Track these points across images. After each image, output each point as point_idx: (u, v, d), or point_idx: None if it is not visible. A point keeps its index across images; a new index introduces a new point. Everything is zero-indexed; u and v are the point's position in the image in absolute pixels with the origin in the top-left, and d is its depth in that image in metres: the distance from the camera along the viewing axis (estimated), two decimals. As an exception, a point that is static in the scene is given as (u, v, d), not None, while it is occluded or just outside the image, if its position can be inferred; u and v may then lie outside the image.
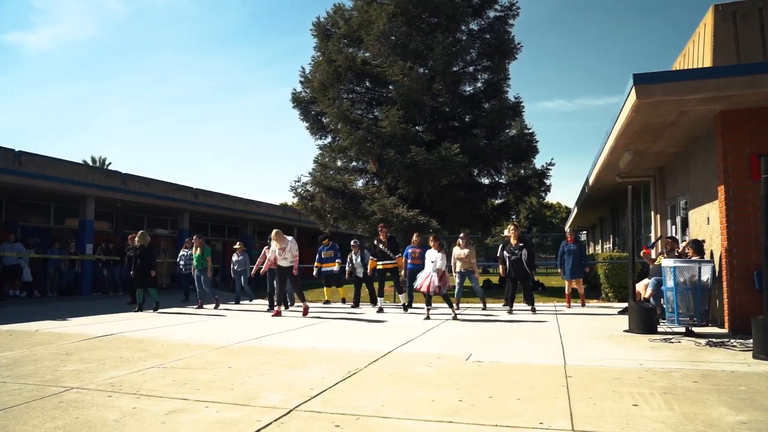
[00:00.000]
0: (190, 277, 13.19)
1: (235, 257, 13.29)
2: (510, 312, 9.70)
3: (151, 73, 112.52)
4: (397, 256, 10.37)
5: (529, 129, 15.97)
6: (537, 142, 15.77)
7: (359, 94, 17.48)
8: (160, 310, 10.92)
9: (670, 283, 6.91)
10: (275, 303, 10.58)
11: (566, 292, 10.96)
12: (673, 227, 10.52)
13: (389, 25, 15.44)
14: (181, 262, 13.57)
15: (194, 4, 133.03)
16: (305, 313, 9.76)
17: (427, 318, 9.09)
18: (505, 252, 9.91)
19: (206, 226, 22.45)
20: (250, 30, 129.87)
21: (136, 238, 11.34)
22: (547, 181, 16.24)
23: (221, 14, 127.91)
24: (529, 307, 9.86)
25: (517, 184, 16.73)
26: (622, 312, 9.38)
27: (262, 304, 12.80)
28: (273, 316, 9.82)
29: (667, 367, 5.04)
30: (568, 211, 58.28)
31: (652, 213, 11.30)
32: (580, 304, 10.77)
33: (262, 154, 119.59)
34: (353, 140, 15.08)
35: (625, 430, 3.30)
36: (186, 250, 13.51)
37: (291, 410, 3.77)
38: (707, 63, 7.45)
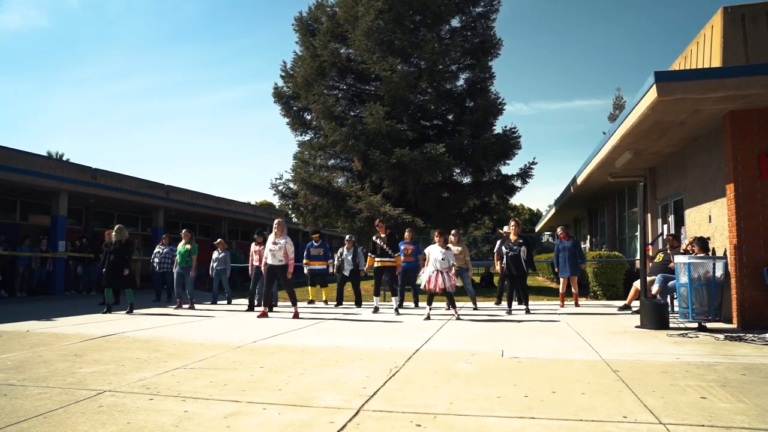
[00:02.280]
0: (164, 276, 12.68)
1: (215, 255, 12.62)
2: (509, 312, 9.39)
3: (105, 66, 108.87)
4: (396, 255, 9.97)
5: (512, 126, 16.07)
6: (520, 138, 15.91)
7: (342, 91, 17.28)
8: (135, 312, 10.09)
9: (684, 279, 7.01)
10: (262, 303, 9.81)
11: (560, 290, 10.75)
12: (665, 226, 10.75)
13: (376, 22, 15.29)
14: (156, 260, 12.80)
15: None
16: (296, 316, 9.12)
17: (428, 318, 8.72)
18: (503, 248, 9.68)
19: (177, 225, 21.71)
20: (207, 26, 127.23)
21: (113, 233, 10.39)
22: (530, 180, 16.40)
23: (177, 9, 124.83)
24: (524, 307, 9.63)
25: (500, 183, 16.82)
26: (622, 309, 9.52)
27: (241, 304, 11.99)
28: (259, 317, 9.17)
29: (705, 360, 5.07)
30: (532, 212, 59.52)
31: (643, 212, 11.49)
32: (574, 303, 10.69)
33: (222, 154, 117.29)
34: (338, 137, 14.86)
35: (712, 422, 3.26)
36: (162, 246, 12.83)
37: (358, 410, 3.58)
38: (716, 64, 7.62)
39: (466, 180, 16.80)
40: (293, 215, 16.97)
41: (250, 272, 11.25)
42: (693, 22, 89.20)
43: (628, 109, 7.83)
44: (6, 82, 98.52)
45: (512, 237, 9.69)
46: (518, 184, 16.48)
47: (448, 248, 9.04)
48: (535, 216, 56.70)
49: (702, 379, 4.33)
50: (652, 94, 6.62)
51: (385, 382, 4.33)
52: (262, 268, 9.47)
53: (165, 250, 12.68)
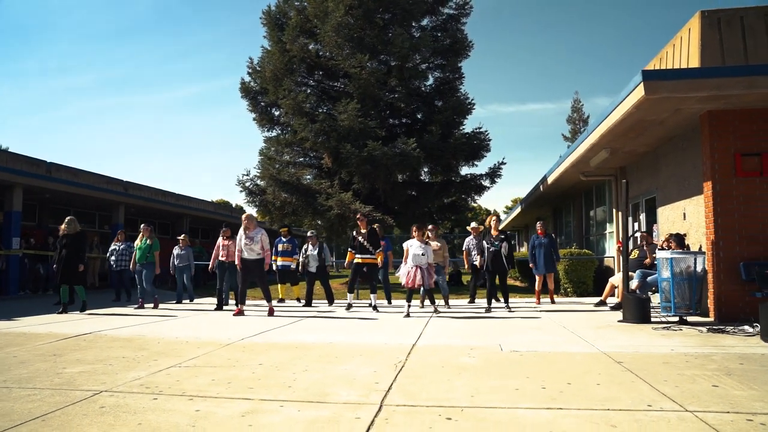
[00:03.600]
0: (122, 275, 12.08)
1: (176, 251, 11.98)
2: (489, 310, 9.17)
3: (50, 59, 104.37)
4: (377, 251, 9.75)
5: (481, 127, 16.23)
6: (490, 140, 16.07)
7: (311, 87, 17.06)
8: (88, 311, 9.44)
9: (666, 273, 7.18)
10: (230, 301, 9.44)
11: (536, 288, 10.76)
12: (636, 224, 11.03)
13: (346, 18, 15.15)
14: (112, 258, 12.12)
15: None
16: (271, 313, 8.87)
17: (407, 316, 8.49)
18: (484, 243, 9.50)
19: (136, 222, 20.93)
20: (162, 20, 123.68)
21: (63, 226, 9.56)
22: (498, 180, 16.60)
23: (130, 3, 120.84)
24: (504, 304, 9.46)
25: (469, 183, 16.95)
26: (598, 305, 9.70)
27: (205, 303, 11.53)
28: (235, 315, 8.80)
29: (699, 351, 5.19)
30: (488, 212, 60.40)
31: (614, 210, 11.79)
32: (550, 300, 10.68)
33: (174, 152, 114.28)
34: (309, 133, 14.65)
35: (735, 408, 3.31)
36: (118, 243, 12.13)
37: (381, 405, 3.47)
38: (694, 65, 7.87)
39: (436, 179, 16.83)
40: (259, 213, 16.59)
41: (211, 268, 10.77)
42: (650, 28, 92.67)
43: (610, 108, 7.98)
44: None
45: (493, 232, 9.60)
46: (487, 183, 16.67)
47: (426, 243, 8.93)
48: (477, 217, 57.61)
49: (705, 369, 4.41)
50: (639, 93, 6.76)
51: (396, 377, 4.23)
52: (238, 264, 9.04)
53: (121, 246, 12.06)
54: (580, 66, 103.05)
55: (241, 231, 8.96)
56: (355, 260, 9.71)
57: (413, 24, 16.58)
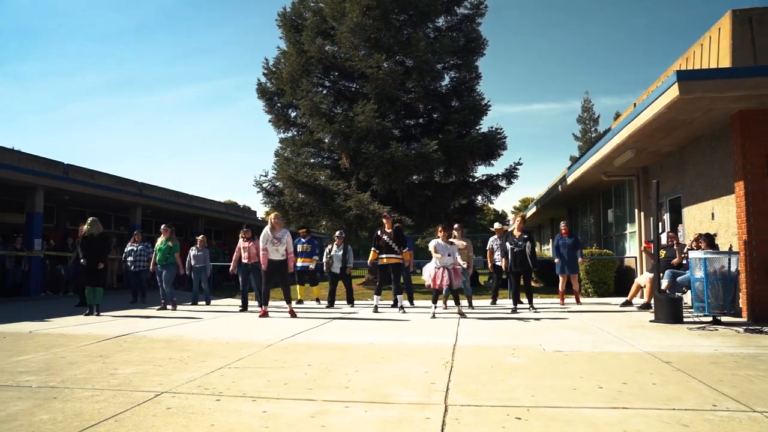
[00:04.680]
0: (140, 276, 12.03)
1: (193, 251, 11.89)
2: (515, 311, 9.13)
3: (57, 61, 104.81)
4: (404, 250, 9.71)
5: (497, 126, 16.23)
6: (506, 138, 16.05)
7: (326, 88, 17.09)
8: (108, 313, 9.35)
9: (699, 273, 7.18)
10: (259, 303, 9.26)
11: (560, 288, 10.66)
12: (660, 224, 11.00)
13: (363, 19, 15.16)
14: (129, 259, 12.09)
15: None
16: (292, 314, 8.80)
17: (433, 317, 8.48)
18: (507, 243, 9.45)
19: (151, 223, 21.04)
20: (166, 22, 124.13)
21: (85, 226, 9.42)
22: (515, 181, 16.59)
23: (136, 4, 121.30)
24: (528, 304, 9.38)
25: (485, 183, 16.95)
26: (624, 305, 9.69)
27: (223, 305, 11.50)
28: (260, 316, 8.76)
29: (744, 352, 5.19)
30: (496, 213, 60.35)
31: (636, 210, 11.77)
32: (575, 301, 10.62)
33: (182, 154, 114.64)
34: (327, 134, 14.69)
35: (805, 407, 3.32)
36: (135, 244, 12.14)
37: (446, 405, 3.49)
38: (724, 65, 7.87)
39: (452, 179, 16.82)
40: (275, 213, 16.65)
41: (232, 270, 10.71)
42: (655, 29, 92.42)
43: (639, 108, 7.98)
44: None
45: (516, 232, 9.58)
46: (503, 184, 16.66)
47: (451, 243, 8.91)
48: (500, 217, 57.48)
49: (757, 369, 4.42)
50: (673, 93, 6.76)
51: (450, 377, 4.25)
52: (263, 264, 8.91)
53: (139, 247, 12.08)
54: (584, 66, 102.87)
55: (267, 231, 8.83)
56: (381, 261, 9.62)
57: (428, 24, 16.60)
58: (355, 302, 11.30)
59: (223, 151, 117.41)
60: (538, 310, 9.26)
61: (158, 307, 10.40)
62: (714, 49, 8.27)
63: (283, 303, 9.60)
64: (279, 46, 17.14)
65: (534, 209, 21.16)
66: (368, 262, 10.29)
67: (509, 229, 10.39)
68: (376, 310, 9.50)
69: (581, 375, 4.29)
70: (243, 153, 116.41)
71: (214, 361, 5.01)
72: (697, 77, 6.73)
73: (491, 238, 10.84)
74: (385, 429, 3.05)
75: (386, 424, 3.12)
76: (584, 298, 12.17)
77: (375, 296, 9.81)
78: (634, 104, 12.10)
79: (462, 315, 8.62)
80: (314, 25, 15.99)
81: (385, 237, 9.56)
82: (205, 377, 4.33)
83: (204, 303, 11.81)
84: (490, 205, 18.04)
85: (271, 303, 10.65)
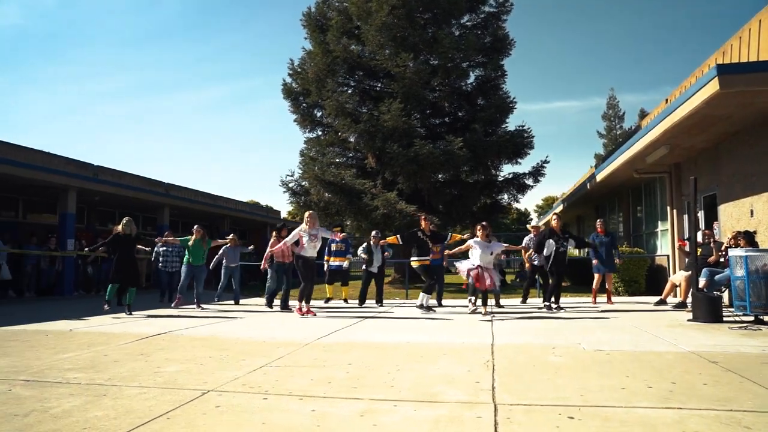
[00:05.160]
0: (172, 276, 12.05)
1: (224, 250, 11.85)
2: (551, 309, 8.92)
3: (82, 65, 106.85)
4: (437, 251, 9.65)
5: (524, 125, 16.09)
6: (533, 137, 15.89)
7: (351, 87, 17.11)
8: (134, 313, 9.27)
9: (740, 272, 7.01)
10: (299, 300, 8.83)
11: (594, 286, 10.45)
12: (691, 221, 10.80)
13: (389, 18, 15.14)
14: (161, 259, 12.20)
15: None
16: (304, 314, 8.63)
17: (473, 312, 8.47)
18: (550, 241, 9.17)
19: (177, 223, 21.30)
20: (186, 25, 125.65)
21: (120, 227, 9.42)
22: (542, 179, 16.43)
23: (157, 8, 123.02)
24: (555, 304, 9.13)
25: (512, 181, 16.81)
26: (659, 303, 9.53)
27: (252, 304, 11.49)
28: (303, 315, 8.59)
29: (795, 351, 5.07)
30: (519, 212, 59.86)
31: (668, 208, 11.57)
32: (607, 300, 10.45)
33: (204, 154, 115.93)
34: (353, 134, 14.72)
35: None
36: (165, 245, 12.08)
37: (495, 404, 3.46)
38: (765, 57, 7.67)
39: (478, 177, 16.71)
40: (302, 213, 16.71)
41: (264, 267, 10.56)
42: (669, 24, 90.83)
43: (675, 104, 7.83)
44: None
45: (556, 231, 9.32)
46: (530, 182, 16.50)
47: (490, 242, 8.84)
48: (523, 215, 57.01)
49: (812, 369, 4.30)
50: (713, 87, 6.62)
51: (494, 376, 4.22)
52: (298, 262, 8.73)
53: (170, 248, 12.20)
54: (606, 63, 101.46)
55: (304, 229, 8.68)
56: (423, 262, 9.48)
57: (453, 22, 16.52)
58: (384, 301, 11.31)
59: (244, 151, 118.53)
60: (565, 309, 9.13)
61: (194, 305, 10.45)
62: (754, 42, 8.08)
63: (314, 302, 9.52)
64: (304, 47, 17.27)
65: (560, 207, 20.92)
66: (412, 265, 9.91)
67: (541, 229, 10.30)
68: (428, 309, 9.16)
69: (627, 374, 4.22)
70: (264, 153, 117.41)
71: (254, 359, 5.04)
72: (739, 71, 6.58)
73: (527, 237, 10.76)
74: (438, 428, 3.03)
75: (438, 424, 3.10)
76: (615, 297, 11.97)
77: (426, 295, 9.32)
78: (666, 100, 11.91)
79: (491, 314, 8.56)
80: (339, 24, 16.03)
81: (425, 238, 9.48)
82: (249, 375, 4.35)
83: (232, 302, 11.81)
84: (514, 204, 17.83)
85: (293, 302, 10.58)
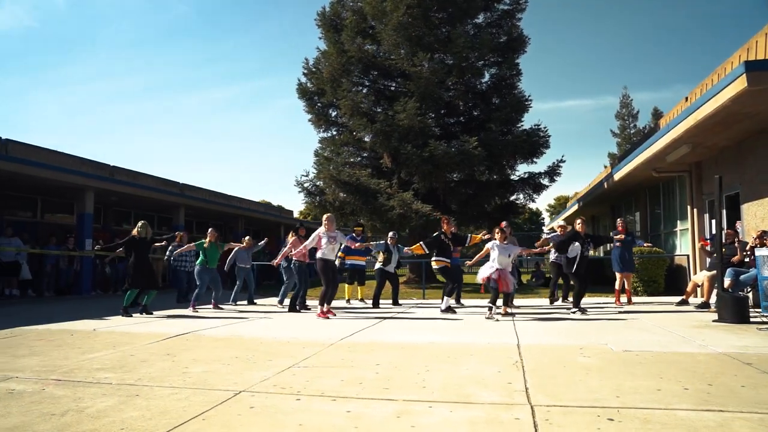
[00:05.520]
0: (190, 276, 11.82)
1: (237, 251, 11.77)
2: (582, 311, 8.59)
3: (92, 66, 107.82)
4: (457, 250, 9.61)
5: (539, 124, 15.96)
6: (549, 137, 15.79)
7: (366, 87, 17.08)
8: (153, 313, 9.38)
9: (767, 272, 6.92)
10: (320, 302, 8.73)
11: (617, 287, 10.27)
12: (713, 221, 10.68)
13: (404, 17, 15.09)
14: (179, 258, 12.05)
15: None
16: (327, 316, 8.57)
17: (495, 319, 8.13)
18: (576, 244, 8.89)
19: (192, 223, 21.42)
20: (195, 26, 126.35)
21: (137, 230, 9.42)
22: (557, 179, 16.31)
23: (165, 9, 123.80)
24: (577, 306, 8.78)
25: (527, 181, 16.70)
26: (680, 304, 9.43)
27: (267, 305, 11.44)
28: (323, 316, 8.50)
29: (829, 353, 4.98)
30: (532, 211, 59.55)
31: (688, 207, 11.44)
32: (627, 301, 10.25)
33: (214, 154, 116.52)
34: (368, 134, 14.71)
35: None
36: (178, 244, 11.94)
37: (531, 405, 3.42)
38: (792, 54, 7.57)
39: (493, 177, 16.61)
40: (316, 213, 16.73)
41: (277, 263, 10.42)
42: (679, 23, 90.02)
43: (699, 102, 7.74)
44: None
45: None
46: (546, 182, 16.39)
47: (509, 245, 8.77)
48: (535, 215, 56.74)
49: None
50: (740, 84, 6.53)
51: (525, 377, 4.18)
52: (319, 265, 8.67)
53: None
54: (617, 62, 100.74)
55: (322, 232, 8.69)
56: (443, 263, 9.37)
57: (468, 21, 16.44)
58: (401, 301, 11.29)
59: (254, 151, 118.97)
60: (588, 310, 8.97)
61: (212, 306, 10.49)
62: (778, 39, 7.96)
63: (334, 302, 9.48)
64: (318, 47, 17.26)
65: (575, 207, 20.78)
66: (432, 265, 9.72)
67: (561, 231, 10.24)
68: (453, 311, 9.19)
69: (661, 376, 4.16)
70: (275, 152, 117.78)
71: (281, 360, 5.03)
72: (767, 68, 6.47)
73: (553, 233, 10.65)
74: (476, 430, 3.00)
75: (476, 425, 3.07)
76: (634, 297, 11.87)
77: (448, 298, 9.31)
78: (686, 98, 11.77)
79: (512, 315, 8.50)
80: (354, 24, 16.01)
81: (446, 240, 9.43)
82: (278, 376, 4.34)
83: (245, 303, 11.73)
84: (529, 204, 17.70)
85: (313, 302, 10.56)
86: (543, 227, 56.32)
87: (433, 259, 9.42)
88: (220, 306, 10.55)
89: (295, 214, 36.15)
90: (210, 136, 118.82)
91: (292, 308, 9.82)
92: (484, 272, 8.58)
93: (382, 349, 5.58)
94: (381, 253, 10.94)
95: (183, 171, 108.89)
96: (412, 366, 4.68)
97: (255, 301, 12.05)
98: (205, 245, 10.56)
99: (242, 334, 6.78)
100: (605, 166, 52.83)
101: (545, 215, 58.29)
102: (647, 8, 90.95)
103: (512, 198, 17.04)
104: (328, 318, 8.51)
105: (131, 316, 8.93)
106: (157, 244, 10.25)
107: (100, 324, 7.85)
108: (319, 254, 8.70)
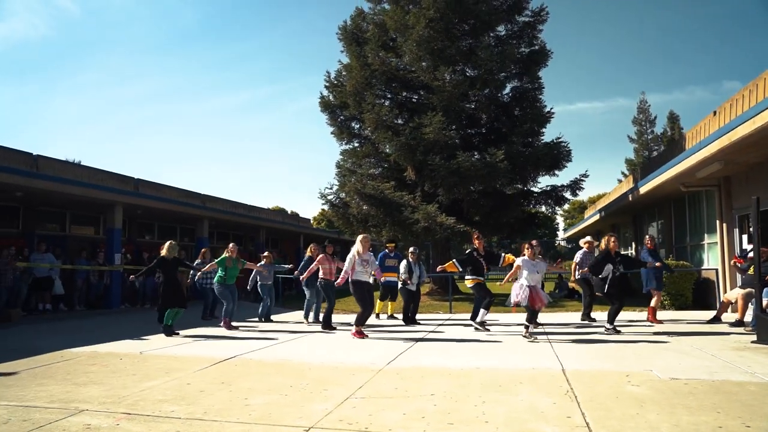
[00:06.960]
0: (214, 292, 11.77)
1: (259, 267, 11.52)
2: (615, 331, 8.62)
3: (106, 71, 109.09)
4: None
5: (561, 137, 16.00)
6: (571, 150, 15.82)
7: (388, 100, 17.21)
8: (180, 332, 9.37)
9: (807, 293, 6.93)
10: (356, 323, 8.79)
11: (652, 304, 10.05)
12: (744, 236, 10.67)
13: (426, 30, 15.19)
14: (204, 276, 11.69)
15: (147, 5, 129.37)
16: (361, 336, 8.65)
17: (534, 340, 8.15)
18: (609, 266, 8.77)
19: (213, 234, 21.62)
20: (205, 32, 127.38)
21: (165, 251, 9.42)
22: (580, 192, 16.34)
23: (177, 15, 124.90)
24: (611, 325, 8.76)
25: (549, 193, 16.73)
26: (712, 321, 9.43)
27: (291, 321, 11.45)
28: (358, 336, 8.57)
29: None
30: (546, 217, 59.20)
31: (717, 221, 11.43)
32: (650, 316, 10.03)
33: (226, 159, 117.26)
34: (395, 147, 14.82)
35: None
36: (203, 261, 11.88)
37: (599, 444, 3.51)
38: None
39: (515, 190, 16.68)
40: (340, 225, 16.86)
41: (303, 278, 10.47)
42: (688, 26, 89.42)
43: (735, 122, 7.78)
44: (9, 86, 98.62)
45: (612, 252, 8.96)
46: (568, 195, 16.43)
47: (538, 261, 8.79)
48: (549, 220, 56.46)
49: None
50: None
51: (582, 410, 4.25)
52: (355, 287, 8.73)
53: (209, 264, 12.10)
54: (629, 64, 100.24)
55: (357, 257, 8.71)
56: (477, 281, 9.41)
57: (489, 33, 16.54)
58: (422, 315, 11.43)
59: (265, 158, 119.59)
60: (621, 331, 8.91)
61: (221, 324, 10.18)
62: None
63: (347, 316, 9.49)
64: (341, 60, 17.46)
65: (596, 217, 20.76)
66: (467, 284, 9.82)
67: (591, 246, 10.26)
68: (486, 328, 9.26)
69: (717, 410, 4.22)
70: (287, 158, 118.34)
71: (335, 389, 5.13)
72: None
73: (580, 252, 10.54)
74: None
75: (551, 468, 3.16)
76: (661, 311, 11.78)
77: (484, 311, 9.33)
78: (714, 112, 11.77)
79: (527, 332, 8.44)
80: (376, 37, 16.15)
81: (480, 258, 9.44)
82: (339, 409, 4.44)
83: (262, 320, 11.44)
84: (551, 214, 17.77)
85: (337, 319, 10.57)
86: (557, 233, 56.08)
87: (467, 278, 9.44)
88: (234, 325, 10.23)
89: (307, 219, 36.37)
90: (223, 142, 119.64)
91: (326, 326, 9.86)
92: (514, 295, 8.53)
93: (431, 375, 5.67)
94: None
95: (195, 177, 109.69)
96: (468, 396, 4.77)
97: (272, 318, 11.73)
98: (225, 262, 10.27)
99: (289, 358, 6.88)
100: (623, 173, 52.50)
101: (559, 220, 58.02)
102: (654, 11, 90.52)
103: (534, 210, 17.09)
104: (363, 338, 8.61)
105: (173, 335, 9.06)
106: (182, 268, 10.28)
107: (143, 346, 8.00)
108: (354, 277, 8.73)
